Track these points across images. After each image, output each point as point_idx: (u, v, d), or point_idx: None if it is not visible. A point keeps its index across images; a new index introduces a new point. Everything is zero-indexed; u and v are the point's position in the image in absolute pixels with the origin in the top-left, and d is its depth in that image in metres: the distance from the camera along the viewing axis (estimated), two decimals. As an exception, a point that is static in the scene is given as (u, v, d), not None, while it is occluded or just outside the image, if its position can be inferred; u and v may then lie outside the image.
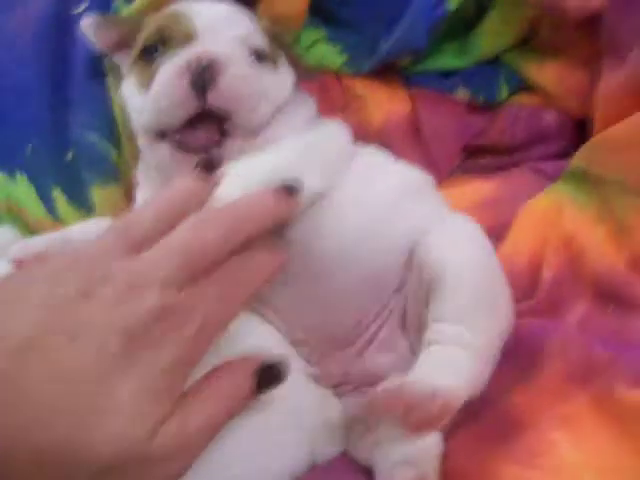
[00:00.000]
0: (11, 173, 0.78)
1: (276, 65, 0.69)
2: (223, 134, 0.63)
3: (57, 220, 0.78)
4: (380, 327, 0.65)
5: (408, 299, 0.64)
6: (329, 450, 0.63)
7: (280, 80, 0.69)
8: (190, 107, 0.61)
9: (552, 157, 0.81)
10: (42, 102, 0.78)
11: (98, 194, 0.77)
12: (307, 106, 0.74)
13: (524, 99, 0.82)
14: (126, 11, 0.76)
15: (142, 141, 0.68)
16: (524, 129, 0.81)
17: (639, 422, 0.53)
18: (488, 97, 0.81)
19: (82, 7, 0.79)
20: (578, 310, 0.67)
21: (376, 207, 0.65)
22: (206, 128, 0.62)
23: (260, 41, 0.67)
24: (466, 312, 0.59)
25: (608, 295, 0.66)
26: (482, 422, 0.60)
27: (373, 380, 0.64)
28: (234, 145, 0.63)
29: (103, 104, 0.78)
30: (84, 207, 0.78)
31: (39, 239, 0.68)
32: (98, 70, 0.78)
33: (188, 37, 0.64)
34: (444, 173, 0.79)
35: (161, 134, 0.64)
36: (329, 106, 0.81)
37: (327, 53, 0.82)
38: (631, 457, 0.51)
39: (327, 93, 0.82)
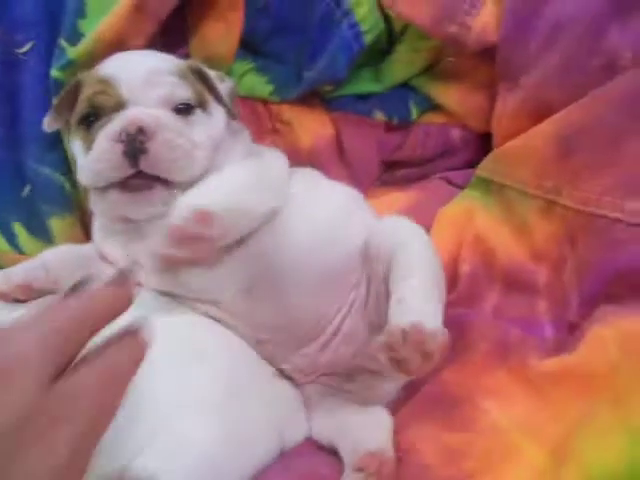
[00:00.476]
0: (-27, 212, 0.83)
1: (206, 109, 0.74)
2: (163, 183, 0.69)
3: (20, 252, 0.83)
4: (343, 320, 0.74)
5: (369, 291, 0.74)
6: (295, 437, 0.73)
7: (212, 123, 0.74)
8: (125, 172, 0.67)
9: (459, 167, 0.93)
10: (-6, 140, 0.83)
11: (57, 225, 0.83)
12: (242, 137, 0.81)
13: (432, 118, 0.93)
14: (71, 53, 0.81)
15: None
16: (434, 144, 0.93)
17: (548, 385, 0.64)
18: (401, 118, 0.92)
19: (27, 47, 0.83)
20: (492, 299, 0.78)
21: (326, 216, 0.74)
22: (145, 180, 0.68)
23: (185, 93, 0.72)
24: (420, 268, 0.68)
25: (515, 284, 0.78)
26: (422, 399, 0.70)
27: (338, 368, 0.75)
28: (174, 192, 0.68)
29: (54, 139, 0.83)
30: (44, 238, 0.84)
31: (18, 269, 0.74)
32: (47, 107, 0.80)
33: (117, 105, 0.69)
34: (366, 186, 0.90)
35: (104, 187, 0.69)
36: (259, 130, 0.90)
37: (256, 83, 0.90)
38: (544, 412, 0.62)
39: (257, 118, 0.91)
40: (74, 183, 0.84)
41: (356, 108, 0.92)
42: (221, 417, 0.66)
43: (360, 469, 0.63)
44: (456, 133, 0.93)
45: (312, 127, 0.90)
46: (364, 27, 0.84)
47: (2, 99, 0.83)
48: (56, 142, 0.83)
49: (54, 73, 0.81)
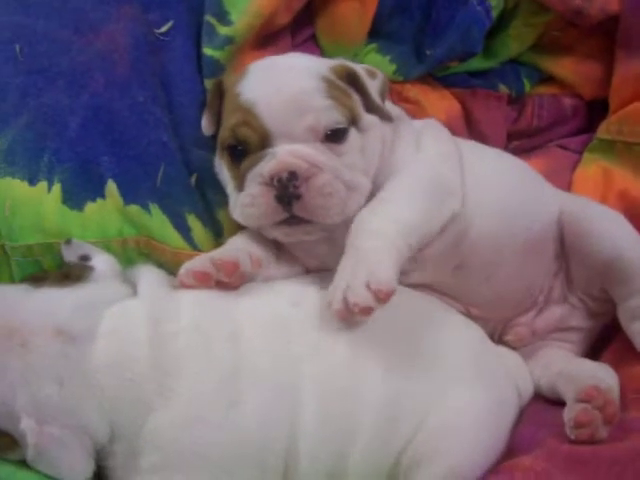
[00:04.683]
0: (144, 204, 0.73)
1: (359, 125, 0.69)
2: None
3: (196, 249, 0.75)
4: (551, 288, 0.78)
5: (570, 264, 0.77)
6: (528, 393, 0.74)
7: (368, 142, 0.70)
8: (278, 217, 0.65)
9: (570, 135, 0.99)
10: (159, 123, 0.74)
11: (225, 215, 0.75)
12: (403, 124, 0.76)
13: (544, 89, 0.99)
14: (224, 31, 0.76)
15: None
16: (547, 114, 0.98)
17: None
18: (518, 90, 0.97)
19: (166, 27, 0.77)
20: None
21: (514, 182, 0.77)
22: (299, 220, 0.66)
23: (334, 116, 0.66)
24: None
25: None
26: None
27: (555, 329, 0.79)
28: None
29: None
30: (216, 233, 0.76)
31: (219, 251, 0.69)
32: (199, 89, 0.77)
33: (262, 139, 0.66)
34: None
35: None
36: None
37: (379, 62, 0.90)
38: None
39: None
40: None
41: (476, 83, 0.95)
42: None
43: (585, 400, 0.64)
44: (567, 102, 0.98)
45: (440, 103, 0.92)
46: (492, 3, 0.87)
47: (156, 82, 0.76)
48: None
49: (208, 52, 0.76)
